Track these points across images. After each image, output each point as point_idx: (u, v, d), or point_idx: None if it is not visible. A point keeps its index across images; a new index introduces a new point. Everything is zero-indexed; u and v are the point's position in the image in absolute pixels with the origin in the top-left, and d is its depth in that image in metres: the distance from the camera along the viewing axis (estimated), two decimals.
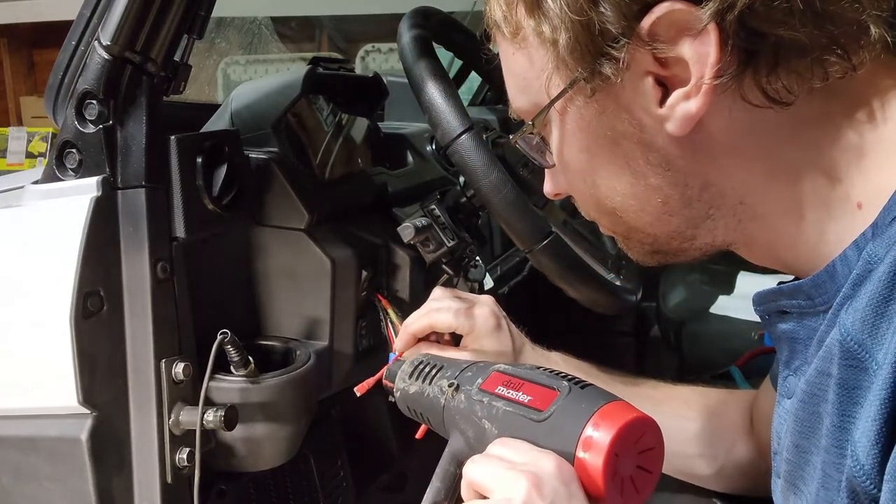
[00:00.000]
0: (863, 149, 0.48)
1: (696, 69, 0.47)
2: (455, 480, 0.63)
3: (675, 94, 0.48)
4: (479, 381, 0.62)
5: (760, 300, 0.56)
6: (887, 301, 0.43)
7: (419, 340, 0.83)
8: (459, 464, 0.62)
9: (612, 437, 0.51)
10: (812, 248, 0.51)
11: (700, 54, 0.46)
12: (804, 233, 0.51)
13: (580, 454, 0.52)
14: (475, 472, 0.55)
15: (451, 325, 0.81)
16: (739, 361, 1.37)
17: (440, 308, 0.82)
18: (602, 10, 0.47)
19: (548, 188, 0.63)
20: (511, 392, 0.58)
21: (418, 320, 0.82)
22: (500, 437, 0.57)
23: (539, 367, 0.60)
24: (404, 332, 0.83)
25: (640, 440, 0.53)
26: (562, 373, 0.59)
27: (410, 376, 0.70)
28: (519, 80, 0.56)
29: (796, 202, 0.50)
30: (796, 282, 0.52)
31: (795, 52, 0.46)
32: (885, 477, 0.40)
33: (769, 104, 0.47)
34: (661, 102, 0.49)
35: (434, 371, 0.68)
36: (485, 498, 0.55)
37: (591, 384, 0.56)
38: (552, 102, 0.53)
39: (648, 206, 0.54)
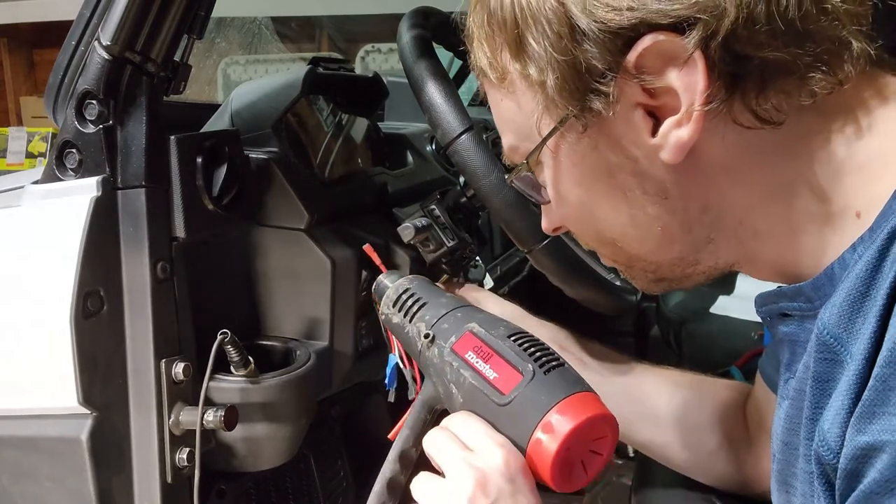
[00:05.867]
0: (857, 161, 0.48)
1: (686, 97, 0.47)
2: (424, 427, 0.67)
3: (667, 123, 0.48)
4: (453, 339, 0.64)
5: (762, 302, 0.56)
6: (864, 297, 0.43)
7: None
8: (430, 410, 0.67)
9: (570, 429, 0.54)
10: (815, 259, 0.51)
11: (688, 83, 0.47)
12: (806, 246, 0.51)
13: (538, 434, 0.55)
14: (433, 446, 0.61)
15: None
16: (739, 361, 1.37)
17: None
18: (586, 47, 0.47)
19: (544, 224, 0.64)
20: (479, 363, 0.61)
21: None
22: (464, 408, 0.61)
23: (512, 335, 0.62)
24: None
25: (597, 430, 0.56)
26: (532, 347, 0.60)
27: (394, 304, 0.73)
28: (509, 124, 0.57)
29: (796, 217, 0.50)
30: (797, 284, 0.52)
31: (781, 72, 0.46)
32: (843, 444, 0.41)
33: (760, 125, 0.48)
34: (653, 132, 0.49)
35: (416, 307, 0.71)
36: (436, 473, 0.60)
37: (557, 367, 0.58)
38: (544, 141, 0.53)
39: (649, 235, 0.54)
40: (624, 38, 0.47)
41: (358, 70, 1.63)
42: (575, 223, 0.59)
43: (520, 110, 0.54)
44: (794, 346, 0.54)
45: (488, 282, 1.12)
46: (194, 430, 0.78)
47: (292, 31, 3.68)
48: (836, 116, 0.49)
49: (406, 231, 0.92)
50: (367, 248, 0.85)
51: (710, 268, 0.56)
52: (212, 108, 1.07)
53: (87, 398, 0.76)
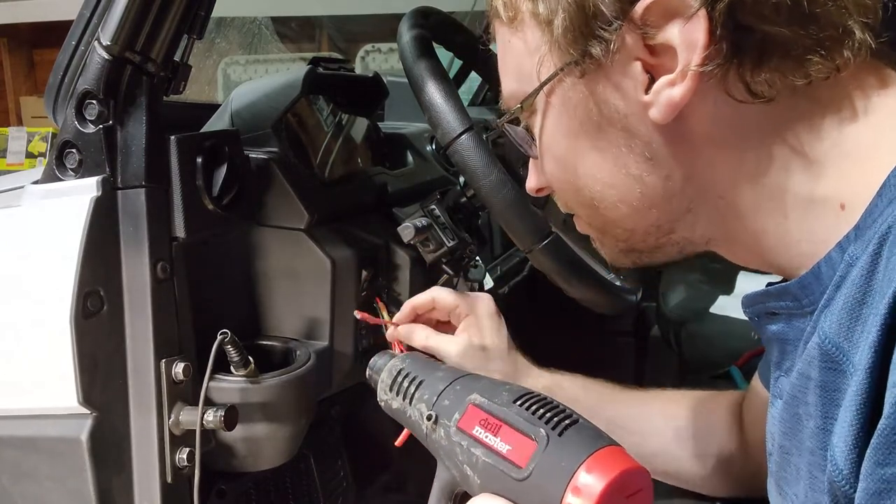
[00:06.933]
0: (845, 149, 0.48)
1: (684, 56, 0.48)
2: None
3: (661, 81, 0.49)
4: (457, 416, 0.60)
5: (749, 302, 0.56)
6: (860, 304, 0.43)
7: (418, 318, 0.87)
8: (449, 496, 0.63)
9: (602, 488, 0.50)
10: (796, 248, 0.51)
11: (689, 41, 0.47)
12: (787, 232, 0.51)
13: (568, 499, 0.51)
14: None
15: (453, 302, 0.85)
16: (739, 361, 1.38)
17: (444, 289, 0.87)
18: None
19: (530, 183, 0.64)
20: (489, 437, 0.57)
21: (421, 294, 0.86)
22: (482, 489, 0.57)
23: (517, 399, 0.57)
24: (406, 305, 0.87)
25: (630, 485, 0.52)
26: (541, 408, 0.56)
27: (391, 389, 0.68)
28: (513, 64, 0.57)
29: (778, 200, 0.50)
30: (783, 283, 0.52)
31: (780, 50, 0.47)
32: (861, 475, 0.40)
33: (752, 99, 0.48)
34: (647, 89, 0.50)
35: (412, 388, 0.66)
36: None
37: (572, 425, 0.54)
38: (543, 84, 0.54)
39: (628, 197, 0.54)
40: None
41: (358, 70, 1.63)
42: (557, 179, 0.59)
43: (526, 49, 0.55)
44: (783, 344, 0.54)
45: (488, 282, 1.12)
46: (194, 430, 0.78)
47: (292, 31, 3.69)
48: (829, 103, 0.49)
49: (406, 231, 0.92)
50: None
51: (684, 239, 0.56)
52: (212, 108, 1.07)
53: (87, 398, 0.76)
